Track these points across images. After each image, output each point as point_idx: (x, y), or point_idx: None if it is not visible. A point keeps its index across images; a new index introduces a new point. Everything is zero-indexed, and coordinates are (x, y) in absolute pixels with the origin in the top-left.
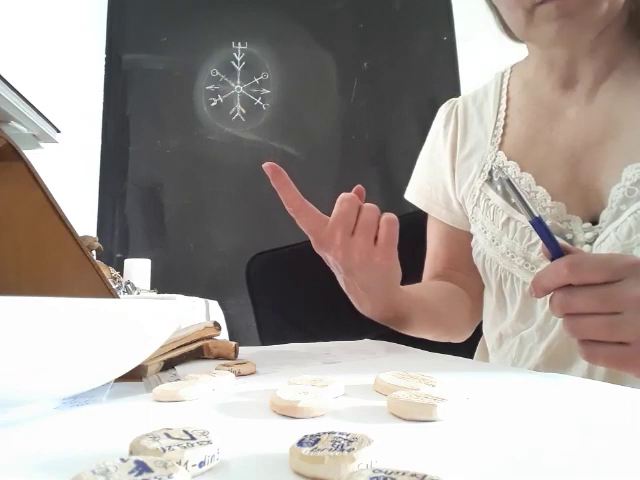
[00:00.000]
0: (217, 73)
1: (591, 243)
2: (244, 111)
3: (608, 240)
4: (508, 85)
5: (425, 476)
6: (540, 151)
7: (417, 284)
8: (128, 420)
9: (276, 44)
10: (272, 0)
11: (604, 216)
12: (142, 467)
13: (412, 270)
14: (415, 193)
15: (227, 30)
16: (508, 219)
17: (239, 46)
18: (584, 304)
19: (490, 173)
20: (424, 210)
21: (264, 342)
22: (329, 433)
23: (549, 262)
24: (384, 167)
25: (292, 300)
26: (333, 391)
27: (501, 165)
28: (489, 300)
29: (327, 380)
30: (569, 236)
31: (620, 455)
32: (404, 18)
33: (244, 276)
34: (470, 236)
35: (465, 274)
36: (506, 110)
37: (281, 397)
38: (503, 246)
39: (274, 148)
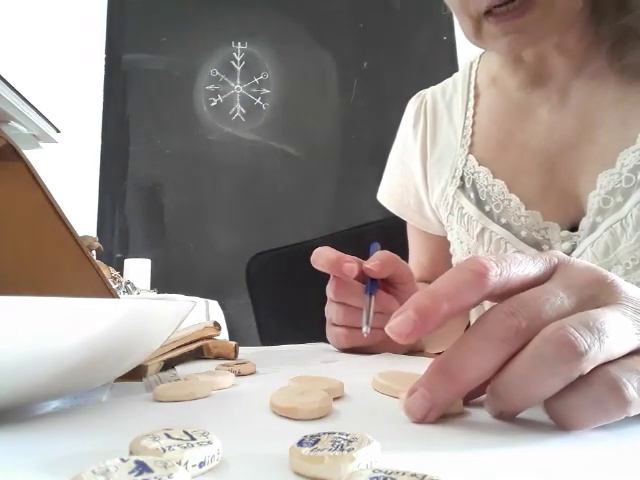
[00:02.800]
0: (217, 73)
1: (569, 253)
2: (244, 111)
3: (585, 256)
4: (476, 78)
5: (425, 476)
6: (512, 155)
7: None
8: (128, 420)
9: (276, 44)
10: (272, 0)
11: (584, 224)
12: (142, 467)
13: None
14: (387, 195)
15: (227, 30)
16: (483, 230)
17: (239, 46)
18: None
19: (462, 179)
20: (396, 214)
21: (264, 342)
22: (329, 433)
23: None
24: (384, 167)
25: (292, 300)
26: (333, 391)
27: (472, 171)
28: (472, 312)
29: (327, 380)
30: (545, 247)
31: (621, 455)
32: (404, 18)
33: (244, 276)
34: (448, 241)
35: None
36: (475, 107)
37: (281, 397)
38: None
39: (274, 148)
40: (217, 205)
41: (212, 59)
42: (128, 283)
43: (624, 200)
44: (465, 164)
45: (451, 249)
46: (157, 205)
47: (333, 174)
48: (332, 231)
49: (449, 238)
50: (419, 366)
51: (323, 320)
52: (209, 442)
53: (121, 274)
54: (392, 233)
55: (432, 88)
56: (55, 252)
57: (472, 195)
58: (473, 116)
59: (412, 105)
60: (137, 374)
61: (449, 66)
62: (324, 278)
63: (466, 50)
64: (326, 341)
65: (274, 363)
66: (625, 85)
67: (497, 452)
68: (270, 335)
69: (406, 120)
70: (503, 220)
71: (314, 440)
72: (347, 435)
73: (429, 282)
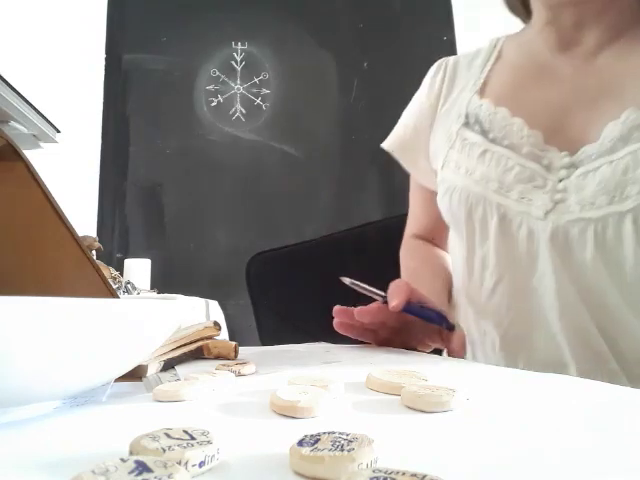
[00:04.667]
0: (217, 73)
1: (567, 168)
2: (244, 111)
3: (600, 172)
4: (502, 46)
5: (425, 476)
6: (526, 99)
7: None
8: (128, 420)
9: (276, 44)
10: (272, 0)
11: (589, 150)
12: (142, 467)
13: None
14: (391, 141)
15: (227, 30)
16: (485, 151)
17: (239, 46)
18: None
19: (467, 117)
20: (395, 156)
21: (264, 342)
22: (329, 433)
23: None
24: (384, 167)
25: (292, 300)
26: (333, 391)
27: (475, 105)
28: (458, 250)
29: (327, 380)
30: (545, 162)
31: (621, 455)
32: (404, 18)
33: (244, 276)
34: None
35: (443, 234)
36: (494, 64)
37: (281, 397)
38: (477, 174)
39: (274, 148)
40: (217, 205)
41: (212, 59)
42: (128, 283)
43: None
44: (469, 103)
45: (441, 189)
46: (157, 205)
47: (333, 174)
48: (332, 231)
49: (441, 175)
50: (420, 365)
51: (323, 320)
52: (209, 442)
53: (121, 274)
54: (392, 233)
55: (454, 56)
56: (55, 252)
57: (477, 127)
58: (489, 71)
59: (436, 64)
60: (137, 374)
61: None
62: (324, 278)
63: (466, 50)
64: (326, 341)
65: (274, 363)
66: None
67: (497, 451)
68: (270, 335)
69: (427, 75)
70: (506, 142)
71: (314, 440)
72: (347, 435)
73: (426, 239)
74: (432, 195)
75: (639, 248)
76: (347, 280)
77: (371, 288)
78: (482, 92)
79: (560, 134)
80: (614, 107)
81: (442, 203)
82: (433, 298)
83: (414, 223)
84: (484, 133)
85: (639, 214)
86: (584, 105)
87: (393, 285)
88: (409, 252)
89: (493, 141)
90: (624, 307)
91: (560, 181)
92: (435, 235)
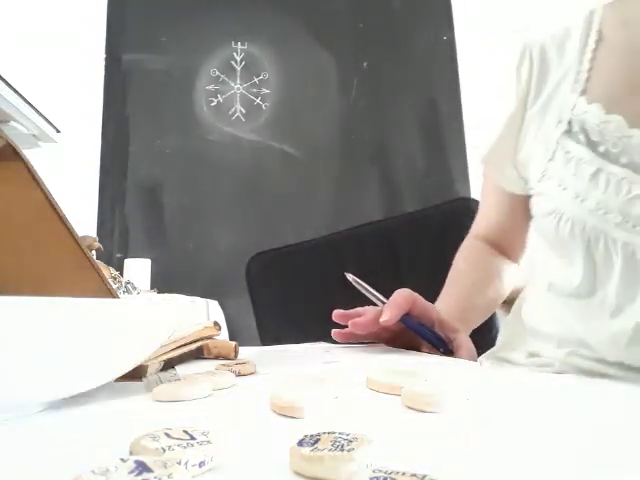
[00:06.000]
0: (217, 73)
1: None
2: (244, 111)
3: None
4: (600, 23)
5: (425, 476)
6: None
7: (452, 282)
8: (128, 420)
9: (276, 44)
10: (272, 0)
11: None
12: (142, 467)
13: (413, 268)
14: (483, 151)
15: (227, 30)
16: (597, 171)
17: (239, 46)
18: None
19: (570, 124)
20: (486, 166)
21: (264, 342)
22: (329, 433)
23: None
24: (384, 167)
25: (292, 300)
26: (333, 391)
27: (581, 112)
28: (570, 274)
29: (327, 380)
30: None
31: (621, 455)
32: (404, 18)
33: (244, 276)
34: (522, 201)
35: (510, 240)
36: (594, 51)
37: (281, 397)
38: (591, 202)
39: (274, 148)
40: (217, 205)
41: (212, 59)
42: (128, 283)
43: None
44: (574, 108)
45: (541, 202)
46: (157, 205)
47: (333, 174)
48: (332, 231)
49: (539, 189)
50: (420, 365)
51: (323, 320)
52: (209, 442)
53: (121, 274)
54: (392, 233)
55: (537, 37)
56: (55, 252)
57: (582, 137)
58: (591, 60)
59: (518, 52)
60: (137, 374)
61: (449, 66)
62: (323, 278)
63: (466, 50)
64: (326, 341)
65: (274, 363)
66: None
67: (497, 451)
68: (270, 335)
69: (511, 66)
70: (624, 160)
71: (314, 440)
72: (347, 435)
73: (492, 241)
74: (512, 198)
75: None
76: (351, 277)
77: (373, 291)
78: (587, 90)
79: None
80: None
81: (544, 223)
82: (456, 306)
83: (484, 223)
84: (591, 145)
85: None
86: None
87: (395, 295)
88: (465, 252)
89: (605, 157)
90: None
91: None
92: (505, 237)
